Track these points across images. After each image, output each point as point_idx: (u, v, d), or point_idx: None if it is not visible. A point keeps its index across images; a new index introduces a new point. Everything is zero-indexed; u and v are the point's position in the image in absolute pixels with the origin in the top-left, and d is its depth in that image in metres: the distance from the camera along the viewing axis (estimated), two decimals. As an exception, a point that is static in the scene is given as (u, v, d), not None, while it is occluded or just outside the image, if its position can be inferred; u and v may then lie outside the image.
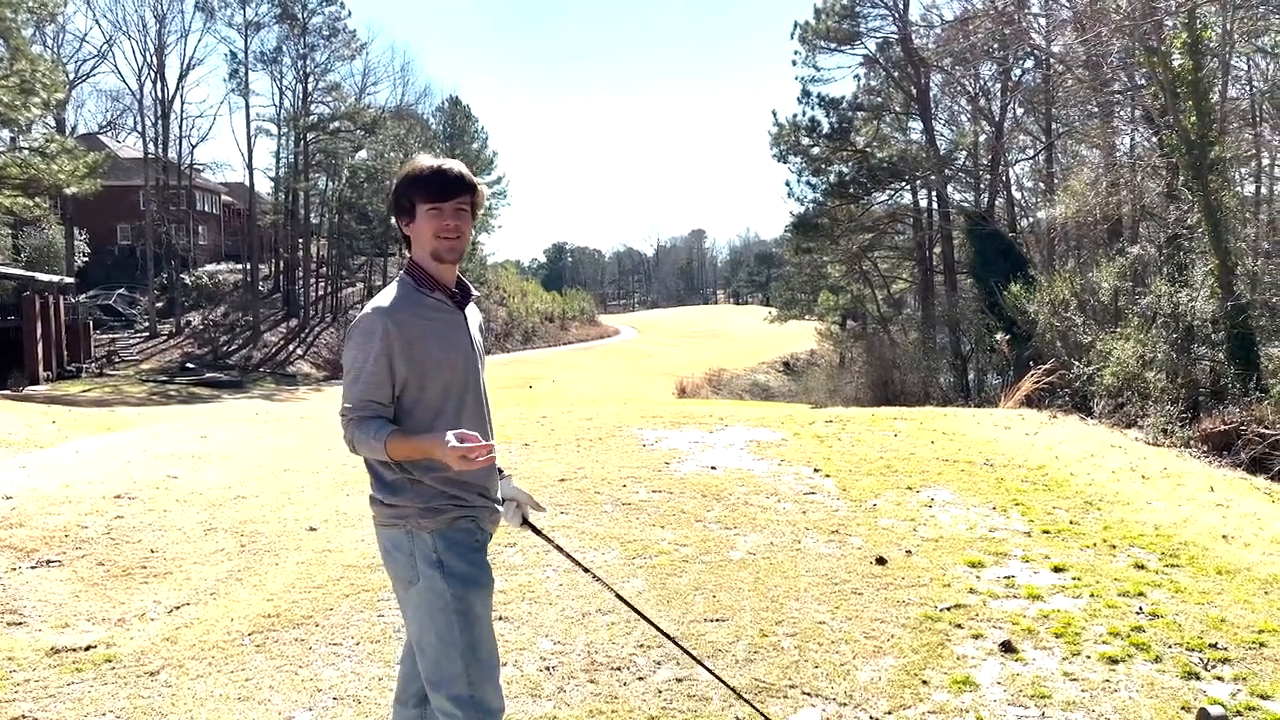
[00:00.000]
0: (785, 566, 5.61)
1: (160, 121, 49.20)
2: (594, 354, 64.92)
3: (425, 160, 2.70)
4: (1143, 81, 19.80)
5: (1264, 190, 24.75)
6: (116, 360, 40.12)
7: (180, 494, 7.46)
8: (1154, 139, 20.24)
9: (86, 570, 5.72)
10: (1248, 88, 23.78)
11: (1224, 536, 6.23)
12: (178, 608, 5.07)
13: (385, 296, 2.66)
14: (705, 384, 50.11)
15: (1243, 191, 23.56)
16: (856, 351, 38.69)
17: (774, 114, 36.51)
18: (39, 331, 32.16)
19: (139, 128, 51.83)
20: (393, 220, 2.76)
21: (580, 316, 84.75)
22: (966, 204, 32.90)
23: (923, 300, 35.86)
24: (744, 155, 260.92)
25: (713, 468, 8.40)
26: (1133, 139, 25.53)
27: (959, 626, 4.65)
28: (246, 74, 49.43)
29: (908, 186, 36.22)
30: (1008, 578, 5.41)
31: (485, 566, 2.73)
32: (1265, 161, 24.46)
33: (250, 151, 50.34)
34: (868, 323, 40.15)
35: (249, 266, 51.04)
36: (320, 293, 55.89)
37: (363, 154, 56.01)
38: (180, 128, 51.06)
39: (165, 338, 44.83)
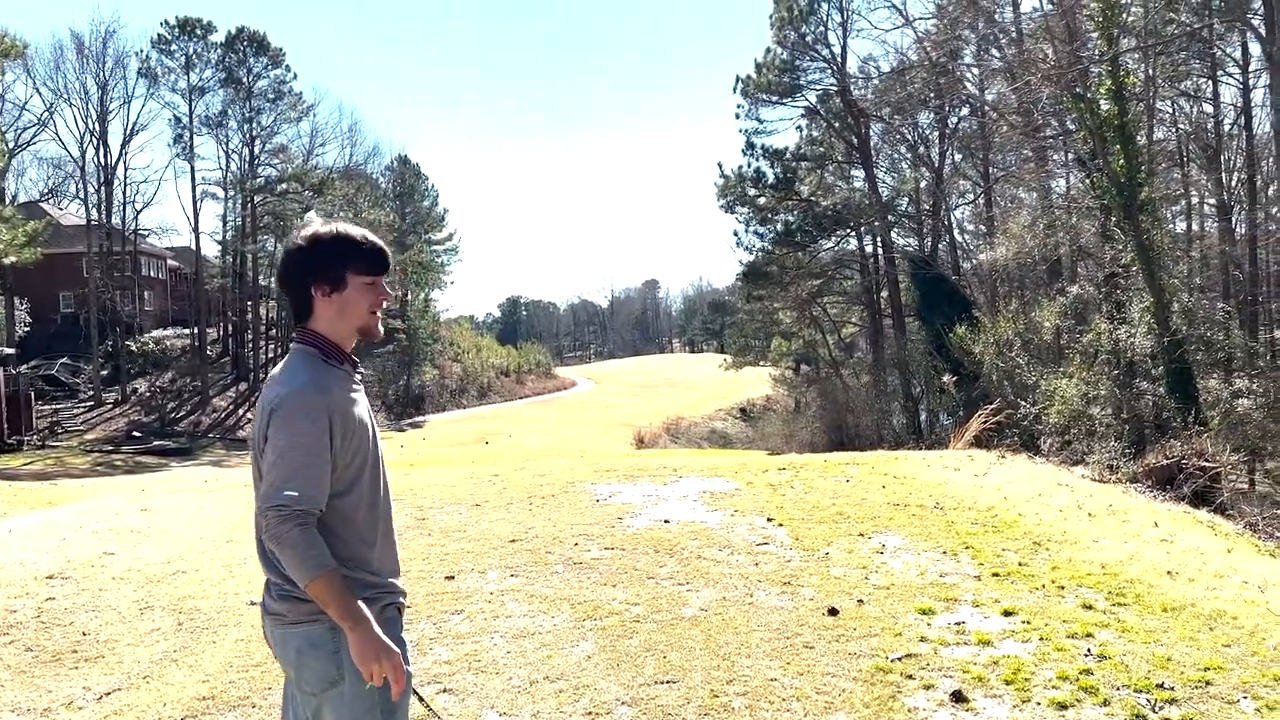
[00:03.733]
0: (737, 622, 5.55)
1: (103, 188, 48.63)
2: (551, 407, 64.59)
3: (354, 229, 2.52)
4: (1073, 126, 20.45)
5: (1194, 228, 25.62)
6: (60, 431, 39.10)
7: (116, 571, 7.22)
8: (1087, 181, 20.86)
9: (13, 658, 5.48)
10: (1173, 130, 24.69)
11: (1169, 573, 6.30)
12: (108, 694, 4.87)
13: (304, 371, 2.40)
14: (664, 433, 50.14)
15: (1174, 229, 24.35)
16: (811, 396, 39.02)
17: (720, 166, 37.20)
18: (-23, 405, 31.33)
19: (81, 194, 51.26)
20: (291, 286, 2.51)
21: (537, 369, 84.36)
22: (910, 248, 33.60)
23: (873, 344, 36.37)
24: (695, 205, 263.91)
25: (666, 521, 8.34)
26: (1067, 181, 26.38)
27: (910, 677, 4.62)
28: (191, 138, 49.34)
29: (853, 233, 36.93)
30: (958, 624, 5.40)
31: (406, 656, 2.51)
32: (1194, 200, 25.35)
33: (196, 215, 50.09)
34: (820, 367, 40.57)
35: (196, 331, 50.29)
36: (270, 355, 55.15)
37: (311, 214, 55.84)
38: (124, 193, 50.51)
39: (110, 406, 43.83)
